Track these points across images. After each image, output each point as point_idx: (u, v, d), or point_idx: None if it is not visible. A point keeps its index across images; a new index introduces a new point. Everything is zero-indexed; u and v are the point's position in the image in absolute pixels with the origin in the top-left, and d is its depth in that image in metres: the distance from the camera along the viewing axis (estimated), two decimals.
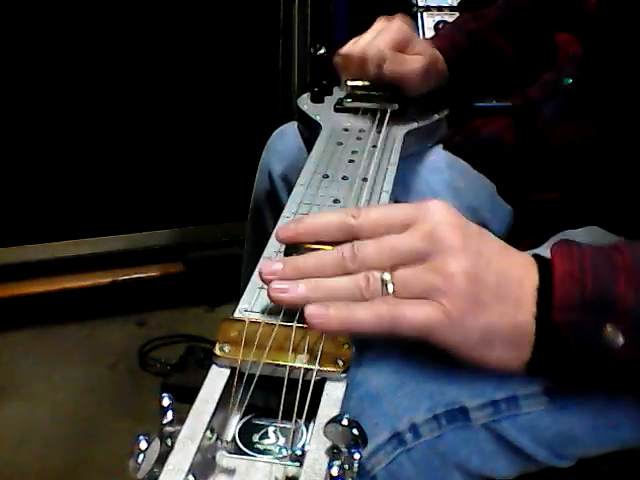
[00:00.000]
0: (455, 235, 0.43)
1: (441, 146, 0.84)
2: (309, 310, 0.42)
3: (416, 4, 1.39)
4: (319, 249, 0.46)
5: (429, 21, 1.38)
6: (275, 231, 0.49)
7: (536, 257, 0.46)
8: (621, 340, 0.42)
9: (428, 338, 0.43)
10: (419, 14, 1.38)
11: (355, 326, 0.42)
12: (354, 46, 0.76)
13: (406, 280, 0.43)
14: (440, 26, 1.36)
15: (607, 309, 0.43)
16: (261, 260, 0.52)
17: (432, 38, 0.88)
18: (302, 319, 0.43)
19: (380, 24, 0.77)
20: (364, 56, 0.74)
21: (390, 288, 0.43)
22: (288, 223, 0.49)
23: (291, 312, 0.46)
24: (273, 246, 0.54)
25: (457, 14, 1.37)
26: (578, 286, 0.43)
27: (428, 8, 1.39)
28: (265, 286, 0.46)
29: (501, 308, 0.43)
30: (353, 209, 0.48)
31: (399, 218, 0.45)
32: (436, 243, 0.43)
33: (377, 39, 0.75)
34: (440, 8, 1.39)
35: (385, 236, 0.44)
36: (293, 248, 0.48)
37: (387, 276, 0.43)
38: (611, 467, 0.70)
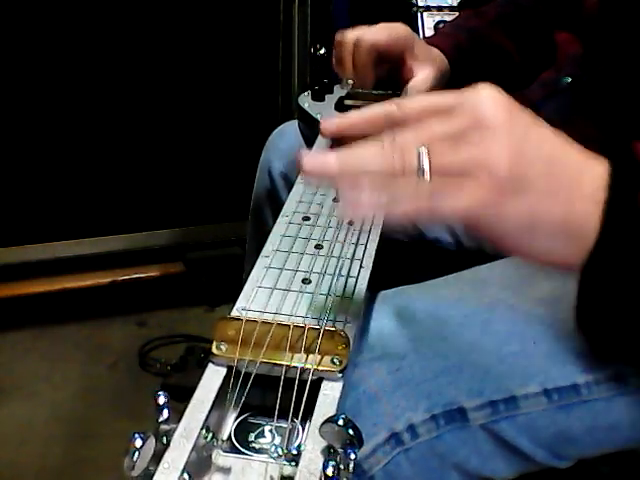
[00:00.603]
0: (501, 112, 0.41)
1: None
2: (343, 193, 0.40)
3: (416, 4, 1.39)
4: None
5: (429, 21, 1.38)
6: (320, 127, 0.46)
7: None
8: None
9: (475, 224, 0.40)
10: (419, 14, 1.38)
11: (398, 216, 0.40)
12: (349, 32, 0.76)
13: (443, 154, 0.39)
14: (440, 26, 1.36)
15: None
16: (259, 258, 0.52)
17: (433, 36, 0.88)
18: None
19: (382, 24, 0.77)
20: (357, 41, 0.74)
21: (426, 163, 0.39)
22: (332, 118, 0.46)
23: (288, 311, 0.46)
24: (272, 244, 0.54)
25: (457, 14, 1.37)
26: None
27: (428, 8, 1.39)
28: (263, 285, 0.48)
29: (551, 196, 0.40)
30: (397, 100, 0.44)
31: (445, 103, 0.42)
32: (478, 118, 0.40)
33: (375, 30, 0.75)
34: (440, 8, 1.39)
35: (426, 120, 0.42)
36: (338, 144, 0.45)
37: (423, 149, 0.39)
38: (611, 468, 0.70)
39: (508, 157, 0.39)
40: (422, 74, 0.76)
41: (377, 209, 0.40)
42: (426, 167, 0.39)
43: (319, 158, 0.41)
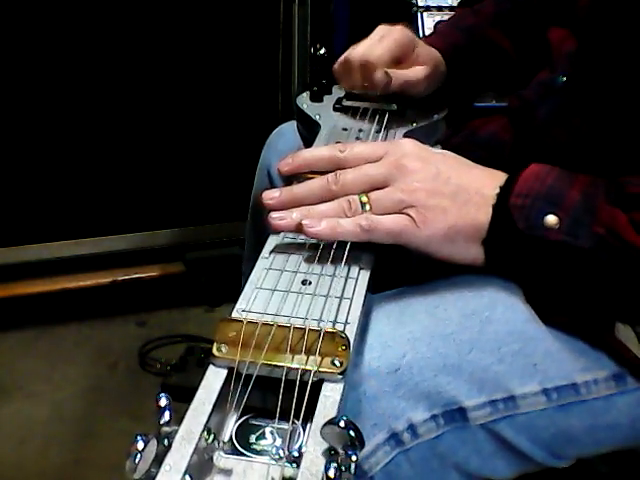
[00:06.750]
0: (416, 162, 0.55)
1: (439, 147, 0.84)
2: (306, 222, 0.52)
3: (416, 4, 1.39)
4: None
5: (429, 21, 1.38)
6: (276, 166, 0.59)
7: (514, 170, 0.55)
8: (557, 226, 0.51)
9: (399, 240, 0.53)
10: (419, 14, 1.38)
11: (341, 233, 0.52)
12: (354, 51, 0.74)
13: (379, 199, 0.53)
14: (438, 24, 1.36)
15: (555, 202, 0.52)
16: (259, 260, 0.53)
17: (430, 35, 0.88)
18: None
19: (381, 30, 0.75)
20: (364, 61, 0.72)
21: (367, 207, 0.53)
22: (286, 157, 0.59)
23: (288, 313, 0.46)
24: (271, 245, 0.54)
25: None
26: (539, 182, 0.53)
27: (428, 8, 1.39)
28: (263, 286, 0.49)
29: (461, 212, 0.53)
30: (341, 144, 0.59)
31: (376, 152, 0.56)
32: (400, 169, 0.54)
33: (378, 44, 0.73)
34: (440, 8, 1.39)
35: (363, 165, 0.55)
36: (293, 178, 0.58)
37: (364, 198, 0.53)
38: (610, 467, 0.70)
39: (425, 193, 0.53)
40: (412, 73, 0.75)
41: (331, 230, 0.52)
42: (367, 209, 0.53)
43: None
